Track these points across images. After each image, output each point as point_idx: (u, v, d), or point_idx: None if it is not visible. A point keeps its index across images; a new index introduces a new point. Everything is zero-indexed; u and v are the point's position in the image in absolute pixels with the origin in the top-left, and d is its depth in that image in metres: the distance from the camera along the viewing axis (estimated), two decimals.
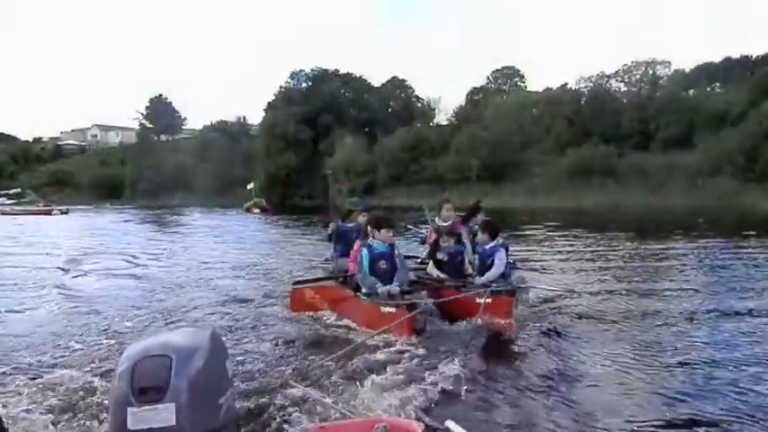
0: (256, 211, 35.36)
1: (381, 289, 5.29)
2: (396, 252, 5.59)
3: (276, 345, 5.03)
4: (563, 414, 3.48)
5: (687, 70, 50.06)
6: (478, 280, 5.61)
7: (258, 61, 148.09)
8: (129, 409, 1.70)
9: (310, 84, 60.27)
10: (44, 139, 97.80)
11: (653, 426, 3.36)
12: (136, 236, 19.59)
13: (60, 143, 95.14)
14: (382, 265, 5.46)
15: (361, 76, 62.90)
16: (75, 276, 9.87)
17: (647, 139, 41.02)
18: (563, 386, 3.99)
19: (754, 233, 15.06)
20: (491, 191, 41.03)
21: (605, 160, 38.55)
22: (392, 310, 4.95)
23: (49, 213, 31.99)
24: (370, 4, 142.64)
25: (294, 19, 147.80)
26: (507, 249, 6.04)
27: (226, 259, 11.92)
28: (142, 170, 67.43)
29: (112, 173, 72.46)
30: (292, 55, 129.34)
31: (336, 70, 61.64)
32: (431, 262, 6.25)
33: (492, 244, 5.82)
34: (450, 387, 3.77)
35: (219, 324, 5.75)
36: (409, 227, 10.63)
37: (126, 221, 27.93)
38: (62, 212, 33.23)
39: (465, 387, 3.79)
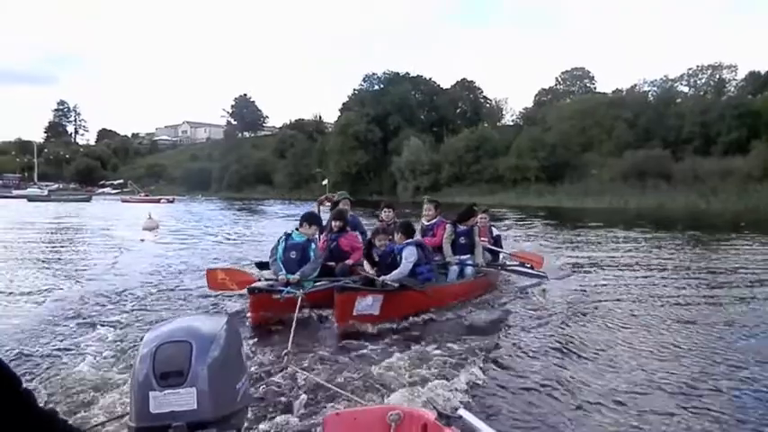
0: (327, 204, 39.19)
1: (281, 276, 5.55)
2: (312, 246, 5.87)
3: (273, 328, 5.18)
4: (572, 402, 3.45)
5: (762, 72, 49.44)
6: (382, 277, 5.58)
7: (335, 63, 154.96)
8: (151, 393, 1.69)
9: (382, 86, 63.09)
10: (141, 135, 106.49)
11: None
12: (229, 220, 23.23)
13: (155, 138, 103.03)
14: (292, 255, 5.78)
15: (430, 79, 65.07)
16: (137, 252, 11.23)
17: (709, 143, 40.96)
18: (574, 375, 3.94)
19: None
20: (547, 191, 42.53)
21: (660, 163, 38.84)
22: (272, 296, 5.25)
23: (158, 202, 37.41)
24: (441, 6, 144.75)
25: (368, 23, 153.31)
26: (422, 246, 6.05)
27: None
28: (228, 164, 72.05)
29: (201, 166, 77.09)
30: (365, 57, 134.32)
31: (407, 73, 64.13)
32: (365, 261, 6.32)
33: (404, 242, 5.88)
34: (458, 377, 3.82)
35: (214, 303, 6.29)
36: None
37: (220, 210, 32.49)
38: (168, 201, 38.66)
39: (473, 376, 3.86)
